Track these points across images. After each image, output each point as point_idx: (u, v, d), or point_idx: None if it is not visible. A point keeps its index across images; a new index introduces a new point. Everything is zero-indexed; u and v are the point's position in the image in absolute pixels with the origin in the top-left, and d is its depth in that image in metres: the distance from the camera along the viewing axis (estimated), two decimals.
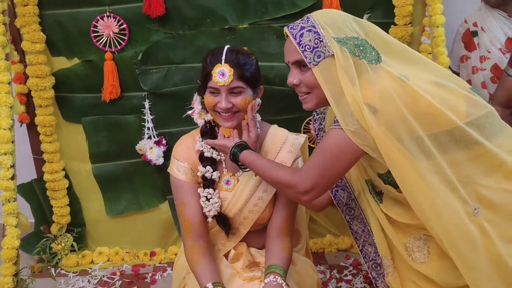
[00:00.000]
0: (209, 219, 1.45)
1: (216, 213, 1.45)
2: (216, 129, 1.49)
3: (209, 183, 1.45)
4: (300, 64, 1.24)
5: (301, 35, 1.20)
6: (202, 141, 1.47)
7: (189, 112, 1.54)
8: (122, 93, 2.14)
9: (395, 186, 1.23)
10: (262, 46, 2.14)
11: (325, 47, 1.18)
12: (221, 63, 1.36)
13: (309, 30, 1.19)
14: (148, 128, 2.19)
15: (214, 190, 1.45)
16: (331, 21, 1.21)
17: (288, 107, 2.23)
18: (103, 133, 2.20)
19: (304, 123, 2.26)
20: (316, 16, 1.24)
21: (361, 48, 1.18)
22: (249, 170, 1.38)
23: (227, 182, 1.48)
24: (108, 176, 2.27)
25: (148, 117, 2.18)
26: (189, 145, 1.48)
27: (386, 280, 1.37)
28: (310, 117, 2.24)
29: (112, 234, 2.33)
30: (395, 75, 1.16)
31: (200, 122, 1.48)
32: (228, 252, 1.53)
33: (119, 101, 2.16)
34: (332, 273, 2.25)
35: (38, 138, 2.14)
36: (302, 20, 1.25)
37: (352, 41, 1.19)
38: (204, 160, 1.46)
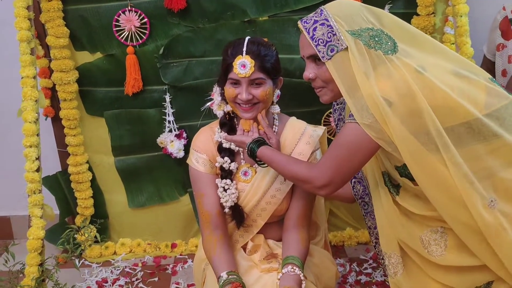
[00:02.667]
0: (226, 210, 1.46)
1: (233, 204, 1.46)
2: (235, 120, 1.50)
3: (227, 173, 1.46)
4: (315, 59, 1.23)
5: (314, 29, 1.19)
6: (221, 132, 1.48)
7: (209, 103, 1.55)
8: (144, 86, 2.17)
9: (412, 179, 1.22)
10: (282, 38, 2.13)
11: (338, 40, 1.17)
12: (242, 55, 1.37)
13: (322, 24, 1.18)
14: (169, 122, 2.21)
15: (232, 181, 1.46)
16: (344, 13, 1.19)
17: (308, 100, 2.21)
18: (125, 127, 2.24)
19: (325, 115, 2.25)
20: (329, 8, 1.22)
21: (376, 39, 1.16)
22: (267, 166, 1.39)
23: (245, 173, 1.49)
24: (130, 169, 2.30)
25: (169, 110, 2.20)
26: (208, 136, 1.50)
27: (392, 281, 1.32)
28: (331, 110, 2.22)
29: (134, 226, 2.37)
30: (412, 67, 1.13)
31: (219, 113, 1.50)
32: (246, 244, 1.54)
33: (140, 95, 2.18)
34: (352, 266, 2.24)
35: (63, 131, 2.19)
36: (315, 13, 1.24)
37: (367, 32, 1.17)
38: (222, 151, 1.47)
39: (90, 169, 2.29)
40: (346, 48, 1.17)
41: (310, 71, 1.27)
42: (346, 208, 2.44)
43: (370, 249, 2.37)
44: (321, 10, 1.22)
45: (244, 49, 1.37)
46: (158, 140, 2.22)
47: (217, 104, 1.49)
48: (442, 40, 2.10)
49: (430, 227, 1.24)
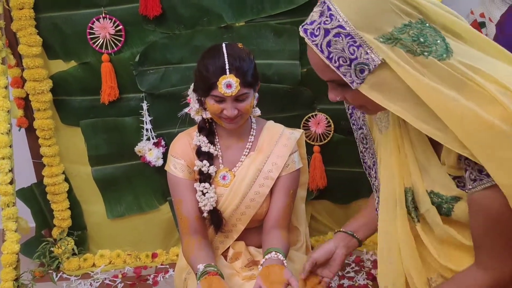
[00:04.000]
0: (205, 214, 1.45)
1: (211, 208, 1.45)
2: (214, 124, 1.50)
3: (205, 177, 1.45)
4: (339, 83, 0.93)
5: (329, 45, 0.84)
6: (199, 136, 1.47)
7: (186, 109, 1.54)
8: (120, 94, 2.13)
9: (447, 215, 0.97)
10: (260, 44, 2.13)
11: (367, 54, 0.83)
12: (226, 74, 1.35)
13: (338, 35, 0.83)
14: (147, 130, 2.18)
15: (211, 184, 1.45)
16: (366, 10, 0.83)
17: (286, 105, 2.22)
18: (102, 136, 2.20)
19: (303, 120, 2.25)
20: (341, 7, 0.84)
21: (421, 39, 0.83)
22: None
23: (224, 178, 1.48)
24: (108, 179, 2.26)
25: (146, 118, 2.17)
26: (186, 142, 1.49)
27: None
28: (310, 114, 2.23)
29: (113, 236, 2.33)
30: (496, 79, 0.83)
31: (197, 118, 1.49)
32: (227, 251, 1.53)
33: (117, 103, 2.15)
34: None
35: (37, 142, 2.13)
36: (322, 15, 0.87)
37: (406, 32, 0.83)
38: (201, 154, 1.46)
39: (66, 179, 2.24)
40: (384, 63, 0.84)
41: (336, 94, 0.98)
42: (327, 212, 2.44)
43: (353, 253, 2.36)
44: (330, 13, 0.85)
45: (227, 67, 1.36)
46: (136, 148, 2.19)
47: (194, 110, 1.48)
48: None
49: (442, 274, 1.03)
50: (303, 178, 1.70)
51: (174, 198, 1.48)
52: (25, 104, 2.10)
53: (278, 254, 1.36)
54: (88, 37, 2.06)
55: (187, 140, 1.49)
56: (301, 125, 2.25)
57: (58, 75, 2.11)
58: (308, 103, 2.23)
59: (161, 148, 2.18)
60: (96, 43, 2.07)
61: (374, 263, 2.28)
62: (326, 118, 2.24)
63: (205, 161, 1.45)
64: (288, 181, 1.51)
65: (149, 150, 2.18)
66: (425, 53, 0.83)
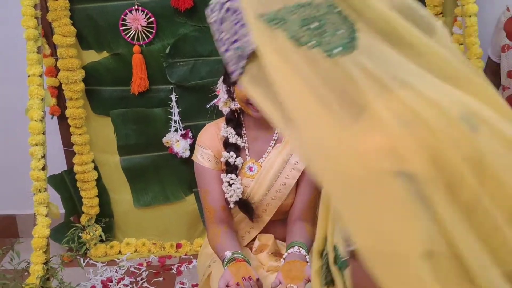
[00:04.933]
0: (231, 205, 1.46)
1: (237, 199, 1.45)
2: (242, 116, 1.50)
3: (232, 168, 1.46)
4: None
5: (221, 21, 0.64)
6: (227, 127, 1.48)
7: (214, 101, 1.55)
8: (150, 86, 2.16)
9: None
10: None
11: (246, 36, 0.62)
12: None
13: (228, 10, 0.63)
14: (175, 121, 2.21)
15: (237, 176, 1.45)
16: None
17: None
18: (131, 126, 2.23)
19: None
20: None
21: (314, 25, 0.57)
22: None
23: (250, 169, 1.48)
24: (136, 168, 2.29)
25: (175, 110, 2.19)
26: (213, 132, 1.50)
27: None
28: None
29: (140, 225, 2.36)
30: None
31: (225, 110, 1.49)
32: (252, 243, 1.53)
33: (147, 94, 2.18)
34: None
35: (69, 130, 2.18)
36: None
37: (297, 13, 0.58)
38: (228, 146, 1.47)
39: (95, 168, 2.28)
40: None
41: None
42: None
43: None
44: None
45: None
46: (164, 139, 2.22)
47: (223, 102, 1.48)
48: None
49: None
50: None
51: (200, 188, 1.50)
52: (58, 93, 2.15)
53: (300, 249, 1.36)
54: (121, 28, 2.09)
55: (215, 131, 1.50)
56: None
57: (90, 66, 2.15)
58: None
59: (188, 139, 2.21)
60: (128, 35, 2.10)
61: None
62: None
63: (232, 153, 1.45)
64: (306, 189, 1.49)
65: (176, 141, 2.20)
66: (311, 43, 0.56)
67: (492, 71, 2.05)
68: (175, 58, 2.14)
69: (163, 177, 2.31)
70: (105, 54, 2.15)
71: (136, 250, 2.33)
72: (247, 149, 1.50)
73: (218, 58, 2.13)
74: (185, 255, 2.31)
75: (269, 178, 1.46)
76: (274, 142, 1.50)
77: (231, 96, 1.45)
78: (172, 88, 2.18)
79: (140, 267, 2.23)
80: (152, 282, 2.13)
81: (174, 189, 2.32)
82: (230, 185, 1.45)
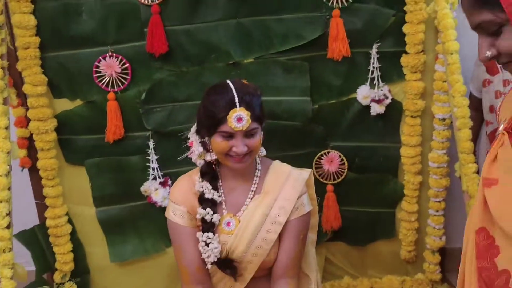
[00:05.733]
0: (209, 266, 1.35)
1: (215, 259, 1.35)
2: (217, 168, 1.42)
3: (209, 226, 1.36)
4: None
5: None
6: (202, 182, 1.38)
7: (187, 153, 1.46)
8: (125, 133, 2.08)
9: None
10: (269, 80, 2.07)
11: None
12: (236, 107, 1.29)
13: None
14: (153, 169, 2.11)
15: (214, 234, 1.35)
16: None
17: (297, 143, 2.14)
18: (107, 175, 2.13)
19: (316, 158, 2.16)
20: None
21: None
22: None
23: (228, 224, 1.39)
24: (113, 220, 2.18)
25: (153, 157, 2.10)
26: (187, 187, 1.41)
27: None
28: (322, 152, 2.14)
29: (118, 281, 2.22)
30: None
31: (199, 162, 1.41)
32: None
33: (122, 142, 2.09)
34: None
35: (40, 183, 2.07)
36: None
37: None
38: (204, 201, 1.37)
39: (69, 221, 2.16)
40: None
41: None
42: (342, 254, 2.32)
43: None
44: None
45: (237, 100, 1.30)
46: (142, 188, 2.12)
47: (197, 155, 1.40)
48: (433, 78, 2.04)
49: None
50: (313, 220, 1.60)
51: (174, 246, 1.40)
52: (29, 143, 2.05)
53: None
54: (94, 75, 2.02)
55: (188, 185, 1.41)
56: (313, 163, 2.16)
57: (63, 114, 2.07)
58: (320, 140, 2.15)
59: (167, 187, 2.11)
60: (102, 82, 2.03)
61: None
62: (340, 156, 2.15)
63: (208, 209, 1.36)
64: (298, 225, 1.40)
65: (155, 190, 2.10)
66: None
67: (475, 107, 2.00)
68: (151, 104, 2.07)
69: (141, 228, 2.19)
70: (78, 102, 2.07)
71: None
72: (223, 203, 1.40)
73: (196, 103, 2.05)
74: None
75: (248, 233, 1.36)
76: (253, 193, 1.41)
77: (205, 148, 1.37)
78: (149, 134, 2.09)
79: None
80: None
81: (154, 240, 2.19)
82: (207, 244, 1.35)
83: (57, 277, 2.15)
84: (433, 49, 2.03)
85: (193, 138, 1.41)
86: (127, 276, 2.22)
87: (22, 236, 2.06)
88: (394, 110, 2.11)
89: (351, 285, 2.28)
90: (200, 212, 1.36)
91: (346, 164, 2.16)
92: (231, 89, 1.32)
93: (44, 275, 2.19)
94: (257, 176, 1.43)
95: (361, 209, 2.25)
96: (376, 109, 2.07)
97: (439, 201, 2.16)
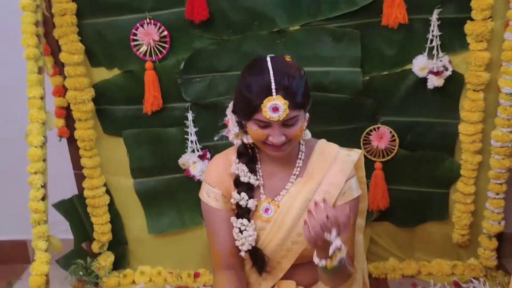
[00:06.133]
0: (242, 253, 1.26)
1: (250, 248, 1.25)
2: (256, 149, 1.30)
3: (244, 212, 1.26)
4: None
5: None
6: (238, 163, 1.27)
7: (223, 132, 1.36)
8: (164, 104, 1.99)
9: None
10: (316, 49, 1.92)
11: None
12: (272, 95, 1.13)
13: None
14: (192, 141, 2.03)
15: (249, 220, 1.25)
16: None
17: (346, 117, 1.99)
18: (145, 147, 2.07)
19: (364, 133, 2.01)
20: None
21: None
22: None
23: (266, 210, 1.28)
24: (151, 192, 2.13)
25: (192, 129, 2.02)
26: (222, 167, 1.30)
27: None
28: (372, 127, 1.99)
29: (155, 252, 2.20)
30: None
31: (236, 142, 1.29)
32: None
33: (161, 113, 2.01)
34: None
35: (78, 153, 2.04)
36: None
37: None
38: (239, 185, 1.27)
39: (107, 192, 2.13)
40: None
41: None
42: (389, 235, 2.19)
43: (417, 284, 2.10)
44: None
45: (273, 86, 1.13)
46: (180, 161, 2.05)
47: (233, 134, 1.28)
48: (501, 48, 1.82)
49: None
50: (362, 205, 1.46)
51: (207, 227, 1.31)
52: (67, 113, 2.01)
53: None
54: (132, 43, 1.93)
55: (224, 165, 1.30)
56: (362, 140, 2.01)
57: (100, 84, 2.01)
58: (370, 115, 2.00)
59: (206, 161, 2.03)
60: (140, 50, 1.94)
61: None
62: (390, 132, 2.00)
63: (243, 194, 1.25)
64: None
65: (193, 163, 2.03)
66: None
67: None
68: (190, 74, 1.96)
69: (179, 201, 2.14)
70: (116, 71, 1.99)
71: (150, 279, 2.17)
72: (261, 187, 1.29)
73: (237, 73, 1.94)
74: (204, 285, 2.13)
75: (289, 220, 1.25)
76: (295, 177, 1.29)
77: (242, 128, 1.25)
78: (188, 106, 2.00)
79: None
80: None
81: (192, 214, 2.14)
82: (241, 231, 1.25)
83: (95, 247, 2.14)
84: (502, 15, 1.80)
85: (230, 116, 1.29)
86: (164, 248, 2.20)
87: (60, 206, 2.05)
88: (454, 83, 1.91)
89: (397, 267, 2.15)
90: (235, 196, 1.26)
91: (397, 140, 2.00)
92: (269, 70, 1.14)
93: (82, 245, 2.20)
94: (300, 159, 1.30)
95: (411, 188, 2.10)
96: (434, 81, 1.88)
97: (500, 183, 1.98)
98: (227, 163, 1.30)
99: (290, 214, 1.25)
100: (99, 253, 2.16)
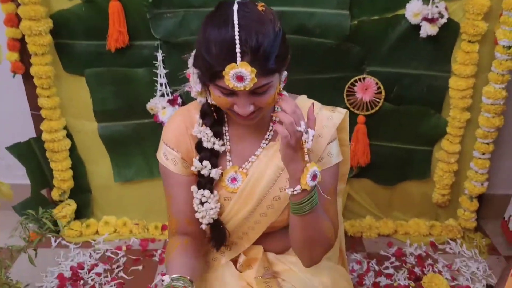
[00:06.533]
0: (203, 226, 1.11)
1: (212, 221, 1.10)
2: (222, 111, 1.09)
3: (206, 182, 1.08)
4: None
5: None
6: (202, 125, 1.08)
7: (184, 86, 1.15)
8: (130, 41, 1.80)
9: None
10: None
11: None
12: (235, 61, 0.90)
13: None
14: (161, 84, 1.86)
15: (212, 191, 1.09)
16: None
17: (329, 64, 1.83)
18: (109, 88, 1.89)
19: (348, 84, 1.86)
20: None
21: None
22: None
23: (233, 180, 1.10)
24: (116, 138, 1.97)
25: (161, 71, 1.84)
26: (183, 127, 1.10)
27: None
28: (357, 77, 1.84)
29: (121, 202, 2.08)
30: None
31: (200, 100, 1.08)
32: (237, 257, 1.20)
33: (127, 51, 1.82)
34: (370, 264, 1.91)
35: (35, 92, 1.85)
36: None
37: None
38: (202, 151, 1.08)
39: (69, 136, 1.97)
40: None
41: None
42: (367, 192, 2.10)
43: (393, 243, 2.03)
44: None
45: (238, 50, 0.89)
46: (148, 105, 1.88)
47: (196, 91, 1.08)
48: None
49: None
50: (343, 169, 1.29)
51: (164, 189, 1.13)
52: (21, 46, 1.80)
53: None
54: None
55: (185, 124, 1.10)
56: (345, 90, 1.87)
57: (59, 14, 1.79)
58: (356, 63, 1.84)
59: (176, 106, 1.87)
60: None
61: (419, 259, 1.93)
62: (376, 83, 1.86)
63: (206, 162, 1.07)
64: (323, 179, 1.05)
65: (162, 109, 1.87)
66: None
67: None
68: (161, 9, 1.76)
69: (147, 148, 1.99)
70: (76, 0, 1.78)
71: (115, 230, 2.05)
72: (228, 153, 1.11)
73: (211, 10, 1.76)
74: None
75: (257, 191, 1.08)
76: (267, 142, 1.12)
77: (206, 88, 1.02)
78: (157, 44, 1.81)
79: (118, 251, 1.95)
80: (129, 271, 1.85)
81: None
82: (202, 203, 1.09)
83: (55, 194, 2.00)
84: None
85: (191, 69, 1.05)
86: (131, 198, 2.07)
87: (15, 148, 1.89)
88: (449, 32, 1.76)
89: (373, 226, 2.08)
90: (196, 164, 1.07)
91: (383, 93, 1.86)
92: (233, 24, 0.89)
93: (43, 192, 2.05)
94: (275, 121, 1.10)
95: (394, 145, 1.99)
96: (428, 29, 1.72)
97: (487, 143, 1.88)
98: (188, 122, 1.10)
99: (260, 184, 1.08)
100: (60, 201, 2.02)
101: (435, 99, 1.91)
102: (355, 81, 1.86)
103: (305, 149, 0.94)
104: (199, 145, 1.08)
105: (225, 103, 0.97)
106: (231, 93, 0.95)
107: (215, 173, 1.07)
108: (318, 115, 1.09)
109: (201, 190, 1.07)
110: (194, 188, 1.08)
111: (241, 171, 1.10)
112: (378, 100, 1.88)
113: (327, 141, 1.08)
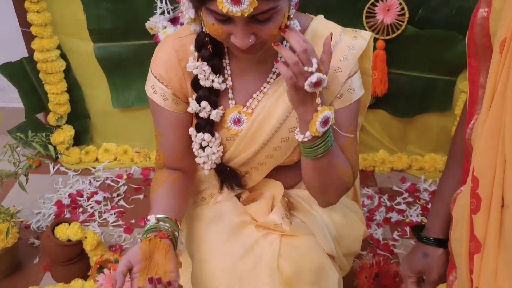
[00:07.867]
0: (206, 172, 0.98)
1: (214, 166, 0.97)
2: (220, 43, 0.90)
3: (205, 124, 0.93)
4: None
5: None
6: (197, 60, 0.89)
7: (178, 11, 0.96)
8: None
9: None
10: None
11: None
12: None
13: None
14: (161, 1, 1.69)
15: (213, 134, 0.94)
16: None
17: None
18: (105, 4, 1.73)
19: (368, 4, 1.68)
20: None
21: None
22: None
23: (236, 122, 0.94)
24: (114, 60, 1.84)
25: None
26: (174, 56, 0.91)
27: None
28: None
29: (121, 129, 1.98)
30: None
31: (194, 28, 0.88)
32: (240, 193, 1.08)
33: None
34: (382, 199, 1.82)
35: (23, 6, 1.69)
36: None
37: None
38: (199, 89, 0.91)
39: (63, 56, 1.83)
40: None
41: None
42: (382, 124, 1.98)
43: (407, 179, 1.93)
44: None
45: None
46: (148, 24, 1.73)
47: (188, 19, 0.88)
48: None
49: None
50: (364, 100, 1.08)
51: (154, 123, 0.99)
52: None
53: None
54: None
55: (177, 54, 0.91)
56: (364, 12, 1.69)
57: None
58: None
59: (178, 26, 1.71)
60: None
61: (432, 194, 1.84)
62: (400, 4, 1.67)
63: (204, 103, 0.91)
64: (343, 117, 0.92)
65: (163, 28, 1.71)
66: None
67: None
68: None
69: (147, 71, 1.84)
70: None
71: (116, 158, 1.97)
72: (230, 90, 0.94)
73: None
74: None
75: (263, 132, 0.93)
76: (274, 76, 0.94)
77: (198, 15, 0.83)
78: None
79: (118, 179, 1.88)
80: (130, 200, 1.78)
81: None
82: (202, 148, 0.96)
83: (51, 119, 1.89)
84: None
85: None
86: (132, 125, 1.98)
87: (6, 69, 1.76)
88: None
89: (386, 160, 1.97)
90: (193, 106, 0.91)
91: (407, 14, 1.68)
92: None
93: (39, 116, 1.95)
94: (278, 58, 0.86)
95: (414, 73, 1.85)
96: None
97: None
98: (181, 52, 0.91)
99: (267, 125, 0.93)
100: (57, 126, 1.92)
101: (463, 23, 1.72)
102: (376, 0, 1.68)
103: (317, 91, 0.79)
104: (195, 84, 0.90)
105: (220, 32, 0.79)
106: (227, 19, 0.77)
107: (215, 115, 0.91)
108: (337, 46, 0.91)
109: (201, 133, 0.93)
110: (192, 131, 0.93)
111: (246, 111, 0.94)
112: (400, 23, 1.71)
113: (347, 76, 0.91)
